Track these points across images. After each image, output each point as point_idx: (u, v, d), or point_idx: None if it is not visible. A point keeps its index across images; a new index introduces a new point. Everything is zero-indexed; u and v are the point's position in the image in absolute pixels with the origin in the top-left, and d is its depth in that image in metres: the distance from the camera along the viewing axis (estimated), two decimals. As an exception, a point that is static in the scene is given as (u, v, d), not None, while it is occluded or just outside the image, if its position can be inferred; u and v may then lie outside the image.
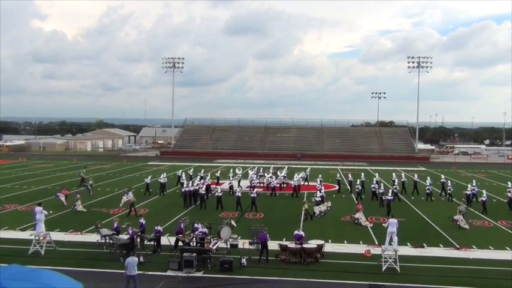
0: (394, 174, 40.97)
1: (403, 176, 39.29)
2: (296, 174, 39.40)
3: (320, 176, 39.64)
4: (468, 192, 30.80)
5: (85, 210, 28.49)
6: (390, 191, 30.88)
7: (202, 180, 34.54)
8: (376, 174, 38.09)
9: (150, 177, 37.17)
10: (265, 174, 40.06)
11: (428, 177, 37.65)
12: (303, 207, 26.87)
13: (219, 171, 42.13)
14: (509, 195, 30.53)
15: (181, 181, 36.02)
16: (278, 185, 37.07)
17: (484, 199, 29.45)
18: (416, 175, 38.79)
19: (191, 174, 40.60)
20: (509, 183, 35.10)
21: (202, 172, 40.33)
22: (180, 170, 42.23)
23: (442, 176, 39.66)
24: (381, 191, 31.72)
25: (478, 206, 29.84)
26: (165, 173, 37.70)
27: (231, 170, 43.34)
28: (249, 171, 40.93)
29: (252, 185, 35.92)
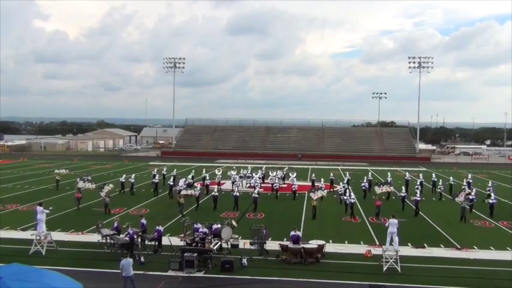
0: (421, 175, 41.29)
1: (421, 177, 39.56)
2: (291, 174, 39.63)
3: (313, 175, 40.12)
4: (471, 197, 29.56)
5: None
6: (418, 191, 31.08)
7: (184, 179, 34.75)
8: (388, 173, 38.67)
9: (157, 176, 37.18)
10: (253, 174, 40.22)
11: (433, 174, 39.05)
12: (314, 203, 27.38)
13: (192, 172, 41.87)
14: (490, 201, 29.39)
15: (154, 180, 36.03)
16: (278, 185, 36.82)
17: (492, 201, 28.78)
18: (434, 174, 39.55)
19: (165, 173, 41.12)
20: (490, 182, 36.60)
21: (175, 171, 41.13)
22: (156, 169, 42.58)
23: (433, 175, 40.27)
24: (403, 194, 30.59)
25: (484, 208, 29.38)
26: (133, 174, 38.03)
27: (204, 169, 43.70)
28: (232, 172, 41.16)
29: (254, 185, 35.78)
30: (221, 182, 37.85)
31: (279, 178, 38.93)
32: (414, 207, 28.64)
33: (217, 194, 30.32)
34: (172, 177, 37.18)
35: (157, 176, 37.60)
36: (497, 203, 29.57)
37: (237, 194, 30.01)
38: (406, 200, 30.29)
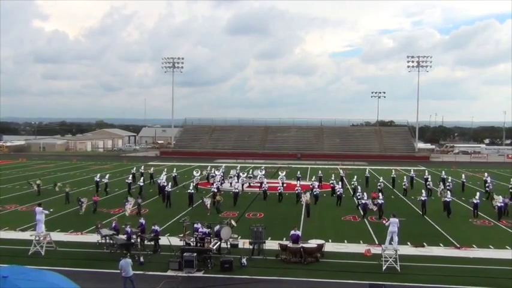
0: (426, 171, 41.76)
1: (426, 173, 40.07)
2: (280, 173, 40.27)
3: (298, 172, 41.90)
4: (475, 201, 28.07)
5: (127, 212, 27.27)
6: (449, 192, 29.93)
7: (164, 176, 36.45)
8: (393, 171, 38.95)
9: (142, 178, 37.14)
10: (241, 173, 40.63)
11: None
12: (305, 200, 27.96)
13: (164, 172, 41.54)
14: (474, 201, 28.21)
15: (126, 181, 36.12)
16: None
17: (499, 204, 27.22)
18: (444, 172, 40.06)
19: (142, 171, 42.41)
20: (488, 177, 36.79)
21: (152, 169, 43.43)
22: (135, 167, 43.67)
23: (443, 172, 40.84)
24: (423, 198, 28.48)
25: (489, 209, 28.75)
26: (107, 174, 38.53)
27: (174, 169, 44.46)
28: (216, 172, 41.33)
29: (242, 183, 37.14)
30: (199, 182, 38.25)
31: (253, 177, 39.58)
32: (444, 208, 27.79)
33: (193, 191, 31.19)
34: (144, 176, 38.26)
35: (130, 176, 37.83)
36: (504, 206, 27.66)
37: (215, 189, 31.84)
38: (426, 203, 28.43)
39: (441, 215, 27.80)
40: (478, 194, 30.01)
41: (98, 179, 36.66)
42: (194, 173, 40.54)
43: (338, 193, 31.93)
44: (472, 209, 28.40)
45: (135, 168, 43.69)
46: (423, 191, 30.64)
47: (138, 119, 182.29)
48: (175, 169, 44.78)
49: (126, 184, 36.16)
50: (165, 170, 43.40)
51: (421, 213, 28.09)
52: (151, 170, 43.60)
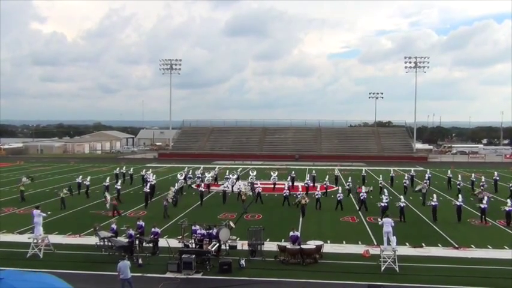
0: (428, 170, 42.04)
1: (428, 172, 40.36)
2: (273, 173, 40.54)
3: (293, 172, 42.11)
4: (483, 206, 26.44)
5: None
6: (460, 196, 28.56)
7: (150, 175, 37.62)
8: (391, 170, 39.13)
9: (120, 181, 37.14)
10: (231, 175, 40.64)
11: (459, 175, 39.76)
12: (303, 202, 27.96)
13: (143, 171, 42.21)
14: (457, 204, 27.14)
15: (104, 184, 35.63)
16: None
17: (508, 208, 25.86)
18: (449, 171, 40.80)
19: (124, 171, 43.91)
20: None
21: (131, 170, 45.13)
22: (118, 168, 44.95)
23: (448, 171, 41.71)
24: (433, 203, 27.01)
25: (494, 214, 27.90)
26: (81, 175, 38.79)
27: (150, 170, 44.49)
28: (207, 174, 41.42)
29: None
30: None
31: (234, 179, 39.49)
32: (456, 212, 26.85)
33: (177, 190, 32.89)
34: (125, 178, 39.36)
35: (108, 178, 37.14)
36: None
37: (202, 189, 33.78)
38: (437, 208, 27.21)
39: (440, 215, 27.82)
40: (485, 198, 28.57)
41: (80, 181, 36.75)
42: (178, 176, 40.69)
43: (338, 198, 30.57)
44: (479, 214, 26.91)
45: (118, 169, 44.08)
46: (434, 195, 29.33)
47: (136, 121, 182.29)
48: (150, 170, 44.94)
49: (103, 187, 34.58)
50: (144, 170, 43.81)
51: (428, 219, 27.00)
52: (131, 170, 44.49)
